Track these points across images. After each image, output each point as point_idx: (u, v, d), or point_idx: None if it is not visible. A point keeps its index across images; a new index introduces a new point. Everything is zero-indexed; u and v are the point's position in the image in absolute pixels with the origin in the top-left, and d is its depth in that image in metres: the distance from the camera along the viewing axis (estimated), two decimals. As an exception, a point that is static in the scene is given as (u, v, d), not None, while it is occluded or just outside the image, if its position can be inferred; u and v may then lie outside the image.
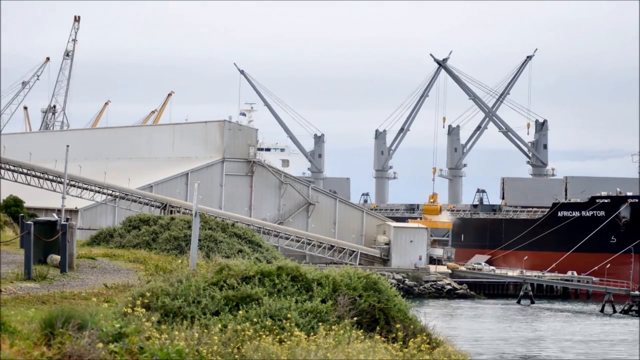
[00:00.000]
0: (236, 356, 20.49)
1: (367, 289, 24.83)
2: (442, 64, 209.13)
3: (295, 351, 20.77)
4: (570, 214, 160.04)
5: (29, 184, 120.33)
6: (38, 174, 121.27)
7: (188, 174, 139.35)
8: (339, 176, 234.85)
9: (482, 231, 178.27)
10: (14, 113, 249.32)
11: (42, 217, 57.49)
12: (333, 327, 22.62)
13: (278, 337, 21.72)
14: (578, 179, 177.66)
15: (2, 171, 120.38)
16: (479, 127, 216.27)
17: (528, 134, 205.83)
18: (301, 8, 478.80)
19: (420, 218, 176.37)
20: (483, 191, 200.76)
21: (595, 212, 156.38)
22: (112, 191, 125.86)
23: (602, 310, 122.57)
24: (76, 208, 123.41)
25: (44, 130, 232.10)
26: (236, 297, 23.59)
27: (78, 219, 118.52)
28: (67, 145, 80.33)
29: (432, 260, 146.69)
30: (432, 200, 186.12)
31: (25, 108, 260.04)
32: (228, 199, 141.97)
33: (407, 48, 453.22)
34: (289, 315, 22.77)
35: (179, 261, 39.28)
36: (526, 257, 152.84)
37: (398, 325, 24.08)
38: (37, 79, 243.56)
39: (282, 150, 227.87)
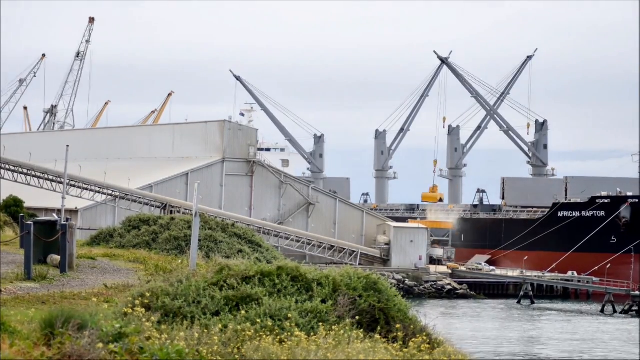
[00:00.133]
0: (236, 356, 20.48)
1: (367, 289, 24.83)
2: (445, 61, 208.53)
3: (295, 351, 20.76)
4: (571, 214, 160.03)
5: (29, 184, 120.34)
6: (38, 174, 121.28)
7: (188, 174, 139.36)
8: (339, 176, 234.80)
9: (482, 231, 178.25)
10: (12, 111, 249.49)
11: (42, 217, 57.48)
12: (333, 327, 22.62)
13: (278, 337, 21.72)
14: (578, 179, 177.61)
15: (2, 171, 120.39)
16: (479, 127, 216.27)
17: (528, 134, 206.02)
18: (301, 8, 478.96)
19: (421, 218, 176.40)
20: (483, 191, 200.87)
21: (595, 212, 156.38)
22: (112, 191, 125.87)
23: (602, 311, 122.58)
24: (76, 208, 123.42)
25: (44, 130, 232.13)
26: (236, 297, 23.59)
27: (78, 219, 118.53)
28: (67, 145, 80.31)
29: (432, 261, 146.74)
30: (432, 190, 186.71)
31: (25, 108, 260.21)
32: (228, 199, 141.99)
33: (407, 48, 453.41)
34: (289, 316, 22.77)
35: (179, 261, 39.28)
36: (526, 257, 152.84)
37: (398, 326, 24.08)
38: (34, 76, 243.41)
39: (282, 150, 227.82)
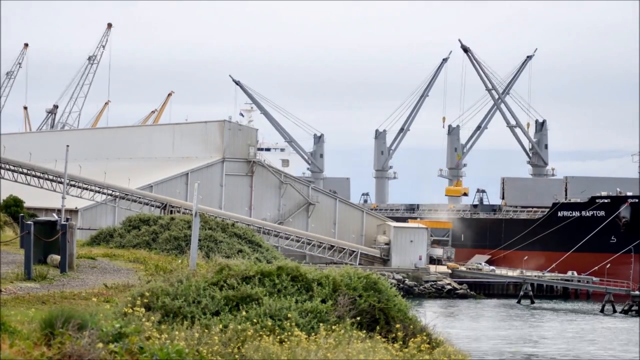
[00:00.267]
0: (236, 356, 20.49)
1: (367, 289, 24.84)
2: (468, 51, 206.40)
3: (295, 351, 20.77)
4: (570, 214, 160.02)
5: (29, 184, 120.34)
6: (38, 174, 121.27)
7: (188, 174, 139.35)
8: (339, 176, 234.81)
9: (482, 231, 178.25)
10: (3, 107, 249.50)
11: (42, 217, 57.48)
12: (333, 327, 22.63)
13: (278, 337, 21.72)
14: (578, 179, 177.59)
15: (2, 171, 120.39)
16: (479, 127, 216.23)
17: (528, 132, 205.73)
18: (301, 8, 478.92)
19: (421, 218, 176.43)
20: (483, 191, 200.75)
21: (595, 212, 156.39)
22: (112, 191, 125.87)
23: (602, 310, 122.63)
24: (76, 208, 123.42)
25: (44, 130, 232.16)
26: (236, 297, 23.59)
27: (78, 219, 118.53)
28: (67, 145, 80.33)
29: (432, 261, 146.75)
30: (456, 185, 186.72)
31: (25, 108, 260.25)
32: (228, 199, 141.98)
33: (407, 48, 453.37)
34: (289, 315, 22.78)
35: (179, 261, 39.28)
36: (526, 257, 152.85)
37: (398, 325, 24.09)
38: (20, 67, 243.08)
39: (282, 150, 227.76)
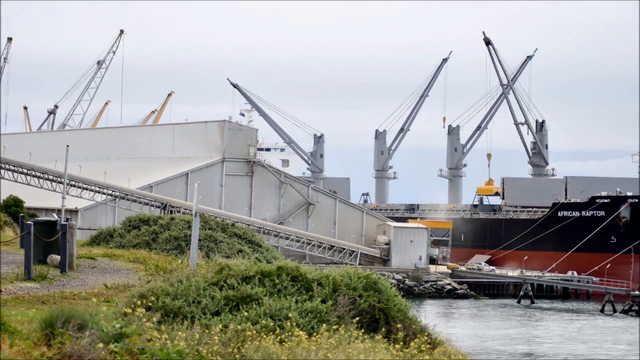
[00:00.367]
0: (236, 356, 20.48)
1: (367, 289, 24.83)
2: (490, 43, 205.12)
3: (295, 351, 20.77)
4: (570, 214, 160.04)
5: (29, 184, 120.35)
6: (38, 174, 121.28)
7: (188, 174, 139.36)
8: (339, 176, 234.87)
9: (482, 231, 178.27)
10: None
11: (42, 217, 57.49)
12: (333, 327, 22.63)
13: (278, 337, 21.72)
14: (578, 179, 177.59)
15: (2, 171, 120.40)
16: (479, 127, 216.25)
17: (528, 133, 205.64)
18: (301, 8, 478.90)
19: (421, 218, 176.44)
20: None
21: (595, 212, 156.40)
22: (112, 191, 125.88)
23: (602, 310, 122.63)
24: (76, 208, 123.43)
25: (44, 130, 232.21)
26: (236, 297, 23.59)
27: (78, 219, 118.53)
28: (67, 145, 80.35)
29: (431, 260, 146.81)
30: (488, 184, 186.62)
31: (25, 108, 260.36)
32: (228, 199, 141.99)
33: (407, 48, 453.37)
34: (289, 315, 22.77)
35: (179, 261, 39.29)
36: (526, 257, 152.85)
37: (399, 325, 24.08)
38: (6, 62, 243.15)
39: (282, 150, 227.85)
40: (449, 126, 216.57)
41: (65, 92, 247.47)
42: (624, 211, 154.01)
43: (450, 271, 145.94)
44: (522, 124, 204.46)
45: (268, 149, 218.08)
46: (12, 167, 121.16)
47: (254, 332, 21.66)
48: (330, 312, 23.57)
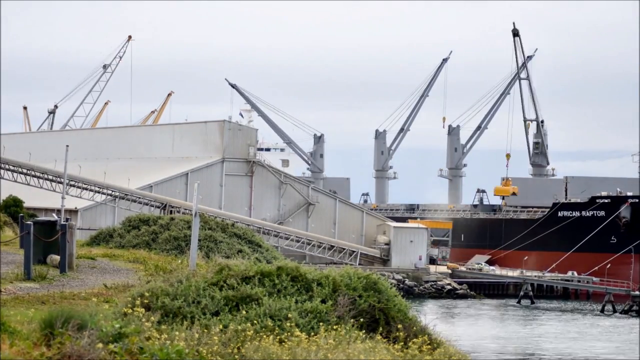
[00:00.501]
0: (236, 356, 20.46)
1: (367, 289, 24.82)
2: (517, 35, 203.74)
3: (295, 351, 20.75)
4: (571, 214, 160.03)
5: (28, 184, 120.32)
6: (38, 174, 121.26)
7: (188, 174, 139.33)
8: (339, 176, 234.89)
9: (482, 231, 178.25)
10: None
11: (42, 217, 57.46)
12: (333, 327, 22.61)
13: (278, 337, 21.71)
14: (578, 179, 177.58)
15: (2, 171, 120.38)
16: (479, 127, 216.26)
17: (527, 134, 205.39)
18: (301, 8, 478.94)
19: (421, 218, 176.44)
20: (483, 191, 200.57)
21: (595, 212, 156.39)
22: (112, 191, 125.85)
23: (602, 310, 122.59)
24: (76, 208, 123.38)
25: (44, 130, 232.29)
26: (236, 297, 23.57)
27: (78, 219, 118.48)
28: (67, 145, 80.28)
29: (431, 260, 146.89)
30: (505, 184, 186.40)
31: (25, 108, 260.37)
32: (228, 199, 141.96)
33: (407, 48, 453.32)
34: (289, 316, 22.76)
35: (179, 261, 39.28)
36: (526, 257, 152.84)
37: (399, 326, 24.06)
38: None
39: (282, 150, 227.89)
40: (449, 126, 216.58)
41: (67, 93, 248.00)
42: (624, 211, 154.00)
43: (450, 271, 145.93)
44: (533, 120, 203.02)
45: (268, 149, 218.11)
46: (12, 167, 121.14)
47: (254, 332, 21.65)
48: (330, 312, 23.55)
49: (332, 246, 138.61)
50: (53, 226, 39.21)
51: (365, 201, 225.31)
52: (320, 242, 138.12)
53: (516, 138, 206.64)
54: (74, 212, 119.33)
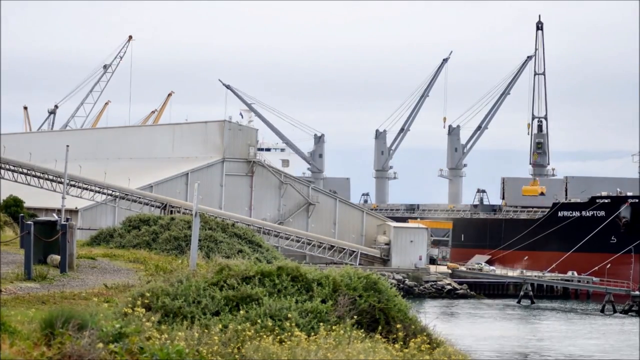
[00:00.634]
0: (236, 356, 20.48)
1: (367, 289, 24.84)
2: (541, 28, 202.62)
3: (295, 351, 20.77)
4: (571, 214, 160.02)
5: (29, 184, 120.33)
6: (38, 174, 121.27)
7: (188, 174, 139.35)
8: (339, 176, 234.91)
9: (482, 231, 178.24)
10: None
11: (42, 217, 57.48)
12: (333, 327, 22.62)
13: (278, 337, 21.72)
14: (578, 179, 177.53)
15: (2, 171, 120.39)
16: (479, 127, 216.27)
17: (528, 134, 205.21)
18: (301, 9, 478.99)
19: (421, 218, 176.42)
20: (483, 191, 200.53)
21: (595, 212, 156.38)
22: (112, 191, 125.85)
23: (602, 310, 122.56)
24: (76, 208, 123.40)
25: (44, 130, 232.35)
26: (236, 297, 23.59)
27: (78, 219, 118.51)
28: (67, 145, 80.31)
29: (431, 260, 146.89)
30: (533, 184, 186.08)
31: (25, 108, 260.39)
32: (228, 199, 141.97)
33: (407, 48, 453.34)
34: (289, 316, 22.77)
35: (179, 261, 39.33)
36: (526, 257, 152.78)
37: (399, 326, 24.08)
38: None
39: (282, 150, 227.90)
40: (449, 126, 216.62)
41: (67, 93, 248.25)
42: (624, 211, 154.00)
43: (450, 271, 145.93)
44: (543, 118, 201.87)
45: (268, 149, 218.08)
46: (12, 167, 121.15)
47: (254, 332, 21.66)
48: (330, 312, 23.57)
49: (332, 246, 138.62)
50: (53, 226, 39.24)
51: (366, 201, 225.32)
52: (321, 242, 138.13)
53: (516, 138, 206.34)
54: (74, 212, 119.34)
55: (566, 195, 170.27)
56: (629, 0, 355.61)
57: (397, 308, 24.66)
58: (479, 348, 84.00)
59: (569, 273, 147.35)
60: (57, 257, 37.43)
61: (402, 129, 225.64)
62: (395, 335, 23.80)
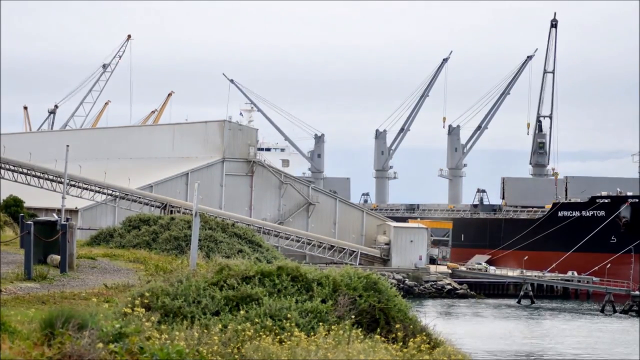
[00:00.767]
0: (236, 356, 20.48)
1: (367, 289, 24.84)
2: (555, 26, 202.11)
3: (295, 351, 20.77)
4: (571, 214, 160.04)
5: (29, 184, 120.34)
6: (38, 174, 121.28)
7: (188, 174, 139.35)
8: (339, 176, 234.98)
9: (482, 231, 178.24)
10: None
11: (42, 217, 57.48)
12: (333, 327, 22.62)
13: (278, 337, 21.72)
14: (578, 179, 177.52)
15: (2, 171, 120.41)
16: (479, 127, 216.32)
17: (528, 134, 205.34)
18: (302, 8, 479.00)
19: (421, 218, 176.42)
20: (483, 191, 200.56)
21: (595, 212, 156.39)
22: (112, 191, 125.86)
23: (602, 310, 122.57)
24: (76, 208, 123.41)
25: (44, 130, 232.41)
26: (236, 297, 23.59)
27: (78, 219, 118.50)
28: (67, 145, 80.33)
29: (431, 260, 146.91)
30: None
31: (25, 108, 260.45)
32: (228, 199, 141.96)
33: (407, 48, 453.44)
34: (289, 315, 22.77)
35: (179, 261, 39.33)
36: (526, 257, 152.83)
37: (398, 326, 24.08)
38: None
39: (282, 150, 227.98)
40: (449, 126, 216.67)
41: (67, 93, 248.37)
42: (624, 211, 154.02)
43: (450, 271, 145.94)
44: (546, 117, 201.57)
45: (268, 149, 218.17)
46: (12, 167, 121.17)
47: (254, 332, 21.66)
48: (330, 312, 23.57)
49: (332, 246, 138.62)
50: (53, 226, 39.24)
51: (366, 201, 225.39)
52: (321, 242, 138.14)
53: (516, 138, 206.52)
54: (74, 212, 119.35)
55: (566, 195, 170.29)
56: (629, 0, 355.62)
57: (397, 308, 24.67)
58: (479, 348, 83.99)
59: (569, 273, 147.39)
60: (57, 257, 37.44)
61: (402, 129, 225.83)
62: (395, 335, 23.80)
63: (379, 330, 23.94)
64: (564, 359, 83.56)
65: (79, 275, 36.38)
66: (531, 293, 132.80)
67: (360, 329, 23.23)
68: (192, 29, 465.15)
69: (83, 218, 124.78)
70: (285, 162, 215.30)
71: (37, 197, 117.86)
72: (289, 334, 21.89)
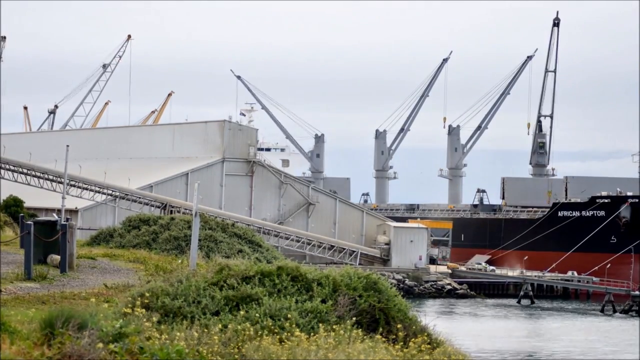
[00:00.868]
0: (236, 356, 20.48)
1: (367, 289, 24.83)
2: (558, 25, 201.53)
3: (295, 351, 20.76)
4: (570, 214, 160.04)
5: (29, 184, 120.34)
6: (38, 174, 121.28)
7: (188, 174, 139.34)
8: (339, 176, 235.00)
9: (482, 231, 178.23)
10: None
11: (42, 217, 57.47)
12: (333, 327, 22.61)
13: (278, 337, 21.71)
14: (578, 179, 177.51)
15: (2, 171, 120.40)
16: (479, 127, 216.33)
17: (528, 134, 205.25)
18: (302, 8, 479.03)
19: (421, 218, 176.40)
20: (483, 191, 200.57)
21: (595, 212, 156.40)
22: (112, 191, 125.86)
23: (602, 310, 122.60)
24: (76, 208, 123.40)
25: (44, 130, 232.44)
26: (236, 297, 23.59)
27: (78, 219, 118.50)
28: (67, 145, 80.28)
29: (431, 260, 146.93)
30: None
31: (25, 108, 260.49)
32: (228, 199, 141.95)
33: (408, 48, 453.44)
34: (289, 316, 22.76)
35: (179, 261, 39.31)
36: (526, 257, 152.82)
37: (399, 326, 24.07)
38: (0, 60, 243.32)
39: (282, 150, 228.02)
40: (449, 126, 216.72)
41: (67, 93, 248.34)
42: (624, 211, 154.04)
43: (450, 271, 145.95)
44: (548, 116, 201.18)
45: (268, 149, 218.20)
46: (12, 167, 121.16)
47: (254, 332, 21.66)
48: (330, 312, 23.56)
49: (332, 246, 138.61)
50: (53, 226, 39.23)
51: (366, 201, 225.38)
52: (321, 242, 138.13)
53: (516, 138, 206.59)
54: (74, 212, 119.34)
55: (566, 195, 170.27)
56: (629, 0, 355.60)
57: (397, 308, 24.66)
58: (479, 348, 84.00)
59: (569, 273, 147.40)
60: (57, 257, 37.43)
61: (402, 129, 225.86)
62: (395, 335, 23.80)
63: (379, 330, 23.93)
64: (563, 358, 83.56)
65: (79, 275, 36.37)
66: (531, 293, 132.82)
67: (361, 329, 23.22)
68: (192, 28, 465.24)
69: (83, 218, 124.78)
70: (285, 162, 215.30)
71: (37, 197, 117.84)
72: (289, 334, 21.88)
